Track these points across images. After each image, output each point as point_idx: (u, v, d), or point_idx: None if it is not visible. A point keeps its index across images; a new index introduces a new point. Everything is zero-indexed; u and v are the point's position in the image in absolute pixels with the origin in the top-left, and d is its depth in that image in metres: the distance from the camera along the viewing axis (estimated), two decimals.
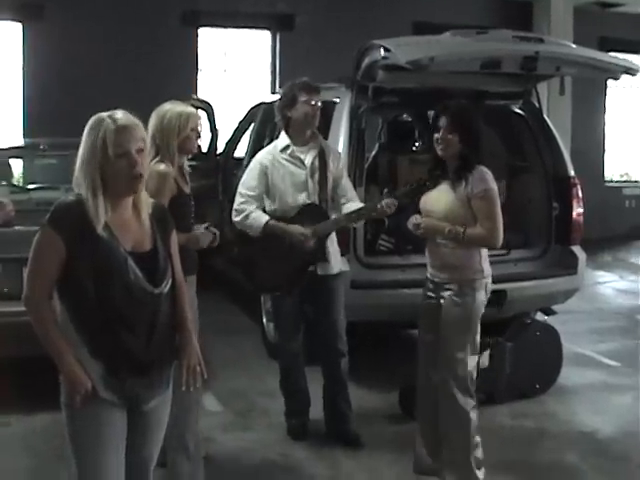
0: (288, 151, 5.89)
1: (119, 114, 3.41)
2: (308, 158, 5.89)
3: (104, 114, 3.39)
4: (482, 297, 5.18)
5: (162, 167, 4.86)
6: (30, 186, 8.05)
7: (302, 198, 5.84)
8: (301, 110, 5.78)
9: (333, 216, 5.88)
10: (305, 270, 5.85)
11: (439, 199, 5.21)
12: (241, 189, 5.94)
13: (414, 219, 5.23)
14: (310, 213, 5.81)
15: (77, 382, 3.34)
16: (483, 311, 5.22)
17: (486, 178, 5.10)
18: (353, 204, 5.91)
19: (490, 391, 6.66)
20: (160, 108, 5.02)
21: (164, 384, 3.59)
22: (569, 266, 7.59)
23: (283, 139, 5.94)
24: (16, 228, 6.64)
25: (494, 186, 5.12)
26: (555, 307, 7.80)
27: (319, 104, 5.84)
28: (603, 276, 12.87)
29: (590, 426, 6.49)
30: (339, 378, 6.06)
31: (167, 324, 3.53)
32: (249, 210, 5.81)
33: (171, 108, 5.01)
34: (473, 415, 5.20)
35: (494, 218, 5.07)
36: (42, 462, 5.63)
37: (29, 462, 5.65)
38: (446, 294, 5.18)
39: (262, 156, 5.99)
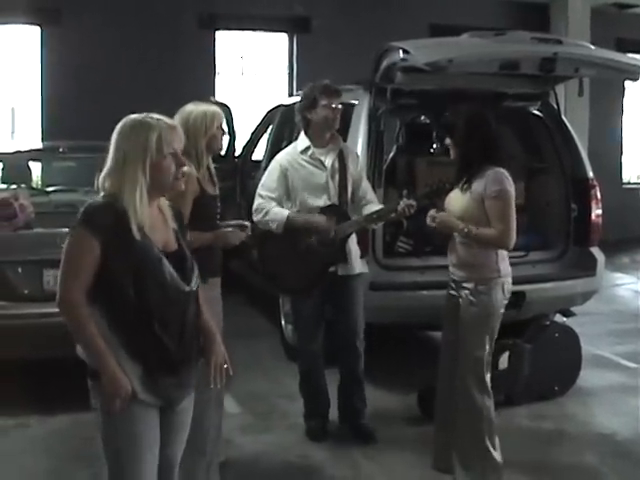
0: (308, 153, 5.90)
1: (159, 115, 3.49)
2: (328, 160, 5.90)
3: (145, 115, 3.44)
4: (499, 296, 5.20)
5: (185, 169, 4.86)
6: (49, 189, 8.06)
7: (323, 200, 5.85)
8: (321, 113, 5.80)
9: (353, 217, 5.90)
10: (326, 271, 5.86)
11: (457, 199, 5.29)
12: (261, 191, 5.94)
13: (432, 212, 5.30)
14: (331, 214, 5.82)
15: (119, 385, 3.31)
16: (503, 311, 5.24)
17: (501, 179, 5.12)
18: (373, 206, 5.93)
19: (509, 392, 6.65)
20: (183, 109, 4.97)
21: (192, 384, 3.60)
22: (588, 268, 7.56)
23: (303, 141, 5.94)
24: (35, 230, 6.68)
25: (509, 188, 5.13)
26: (573, 309, 7.77)
27: (340, 107, 5.85)
28: (621, 278, 12.81)
29: (609, 428, 6.47)
30: (356, 377, 6.10)
31: (194, 323, 3.56)
32: (269, 207, 5.82)
33: (195, 108, 4.97)
34: (490, 415, 5.22)
35: (506, 219, 5.09)
36: (61, 463, 5.65)
37: (48, 463, 5.67)
38: (464, 292, 5.24)
39: (282, 158, 6.00)
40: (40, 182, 9.02)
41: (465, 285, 5.23)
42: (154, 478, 3.49)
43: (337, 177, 5.89)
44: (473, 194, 5.16)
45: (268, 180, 5.95)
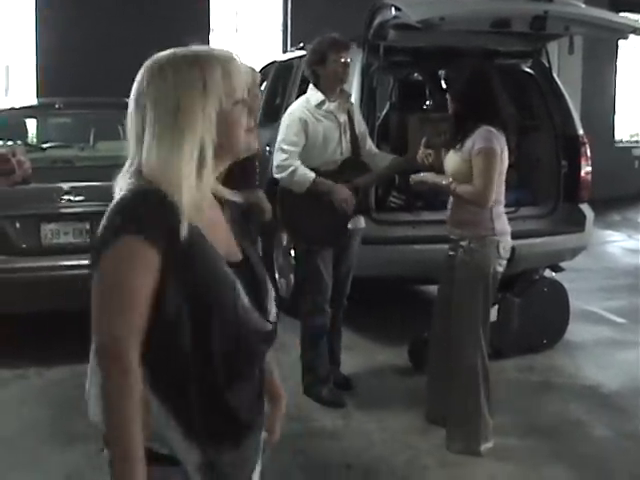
0: (324, 107, 5.84)
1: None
2: (340, 115, 5.91)
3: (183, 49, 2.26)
4: (493, 254, 5.19)
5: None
6: (45, 145, 8.12)
7: (337, 154, 5.86)
8: (331, 68, 5.76)
9: (374, 169, 5.96)
10: (347, 223, 5.87)
11: (451, 158, 5.30)
12: (283, 145, 5.81)
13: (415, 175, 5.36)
14: (351, 167, 5.85)
15: None
16: (499, 269, 5.26)
17: (488, 137, 5.09)
18: (386, 156, 6.03)
19: (498, 345, 6.75)
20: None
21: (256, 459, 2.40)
22: (577, 224, 7.66)
23: (315, 94, 5.87)
24: (32, 185, 6.74)
25: (495, 146, 5.08)
26: (564, 265, 7.88)
27: (349, 60, 5.84)
28: (611, 235, 12.95)
29: (595, 380, 6.60)
30: (338, 326, 6.18)
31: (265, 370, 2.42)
32: (295, 166, 5.72)
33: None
34: (484, 371, 5.29)
35: (486, 176, 5.06)
36: (59, 412, 5.75)
37: (46, 412, 5.80)
38: (459, 250, 5.27)
39: (299, 111, 5.88)
40: (35, 138, 9.07)
41: (460, 243, 5.26)
42: None
43: (348, 132, 5.91)
44: (464, 153, 5.16)
45: (290, 134, 5.81)
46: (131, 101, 2.21)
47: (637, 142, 17.98)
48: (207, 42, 13.52)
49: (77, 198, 6.65)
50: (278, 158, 5.80)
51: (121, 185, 2.18)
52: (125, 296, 2.05)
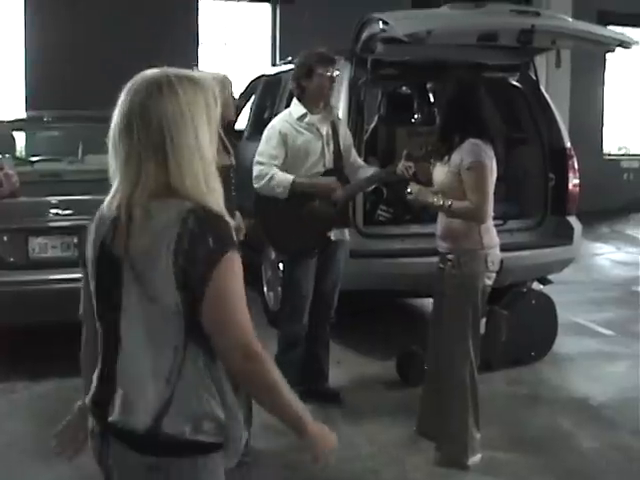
0: (306, 119, 5.89)
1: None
2: (323, 128, 5.94)
3: (173, 70, 2.47)
4: (480, 268, 5.17)
5: None
6: (33, 158, 8.11)
7: (319, 166, 5.90)
8: (317, 81, 5.81)
9: (353, 181, 5.96)
10: (326, 234, 5.89)
11: (438, 171, 5.28)
12: (259, 157, 5.86)
13: (409, 187, 5.31)
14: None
15: (330, 437, 2.56)
16: (488, 283, 5.26)
17: (476, 151, 5.06)
18: (367, 169, 6.03)
19: (486, 358, 6.75)
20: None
21: None
22: (565, 236, 7.67)
23: (298, 108, 5.93)
24: (20, 199, 6.74)
25: (485, 160, 5.06)
26: (553, 277, 7.88)
27: (336, 75, 5.88)
28: (600, 248, 12.97)
29: (583, 392, 6.61)
30: (325, 341, 6.17)
31: None
32: (272, 172, 5.77)
33: (202, 75, 4.82)
34: (473, 388, 5.27)
35: (481, 191, 5.03)
36: (44, 425, 5.71)
37: (32, 425, 5.75)
38: (447, 264, 5.25)
39: (279, 124, 5.94)
40: (24, 152, 9.06)
41: (448, 257, 5.24)
42: None
43: (331, 145, 5.94)
44: (451, 166, 5.13)
45: (268, 147, 5.87)
46: (132, 115, 2.33)
47: (625, 154, 18.01)
48: (196, 55, 13.59)
49: (65, 212, 6.63)
50: (255, 170, 5.86)
51: (175, 206, 2.32)
52: (244, 301, 2.37)
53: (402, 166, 5.51)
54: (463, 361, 5.23)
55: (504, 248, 7.01)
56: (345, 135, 6.11)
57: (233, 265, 2.35)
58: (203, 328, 2.33)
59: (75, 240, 6.60)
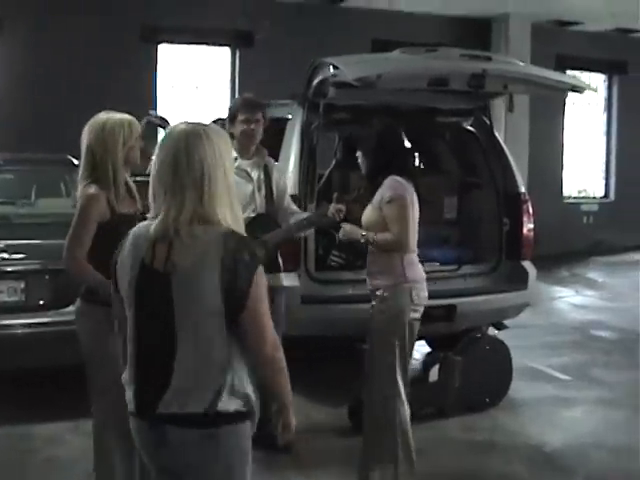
0: (235, 164, 5.89)
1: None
2: (254, 172, 5.94)
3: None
4: (405, 302, 5.25)
5: (92, 190, 4.42)
6: None
7: (249, 211, 5.85)
8: (239, 127, 5.85)
9: (284, 226, 5.94)
10: None
11: (367, 210, 5.44)
12: None
13: (341, 227, 5.48)
14: (261, 223, 5.83)
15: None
16: (415, 316, 5.30)
17: (394, 185, 5.29)
18: (300, 215, 6.01)
19: (440, 405, 6.73)
20: (95, 118, 4.50)
21: None
22: (519, 281, 7.64)
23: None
24: None
25: (403, 193, 5.28)
26: (509, 322, 7.86)
27: (260, 120, 5.87)
28: (559, 291, 13.00)
29: (539, 439, 6.56)
30: None
31: None
32: None
33: (110, 117, 4.50)
34: (404, 423, 5.29)
35: (400, 222, 5.24)
36: None
37: None
38: (374, 301, 5.34)
39: None
40: None
41: (376, 293, 5.34)
42: None
43: (263, 189, 5.94)
44: (374, 203, 5.35)
45: None
46: (179, 154, 2.92)
47: (585, 197, 18.10)
48: (155, 99, 13.55)
49: (13, 256, 6.54)
50: None
51: (212, 229, 2.91)
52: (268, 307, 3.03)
53: (333, 208, 5.56)
54: (393, 399, 5.25)
55: (458, 293, 7.05)
56: (279, 180, 6.10)
57: (262, 277, 2.99)
58: (240, 326, 2.94)
59: (22, 285, 6.50)
